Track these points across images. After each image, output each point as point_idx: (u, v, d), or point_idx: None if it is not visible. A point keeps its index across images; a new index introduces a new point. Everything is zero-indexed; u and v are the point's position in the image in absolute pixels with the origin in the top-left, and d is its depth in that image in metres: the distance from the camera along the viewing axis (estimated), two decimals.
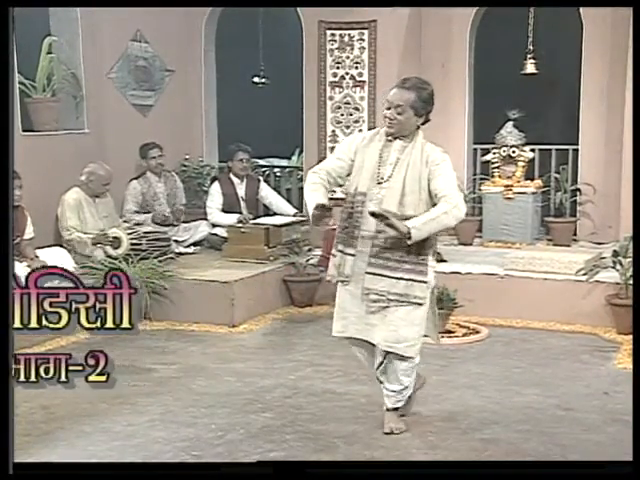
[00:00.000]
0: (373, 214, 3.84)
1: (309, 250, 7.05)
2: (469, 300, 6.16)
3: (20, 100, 6.37)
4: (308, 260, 6.82)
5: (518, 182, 7.40)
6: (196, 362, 5.39)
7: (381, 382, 4.24)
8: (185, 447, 4.01)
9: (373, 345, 4.14)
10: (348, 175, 4.10)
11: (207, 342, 5.84)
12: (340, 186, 4.29)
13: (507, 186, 7.37)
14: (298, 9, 7.54)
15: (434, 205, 3.93)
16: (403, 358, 4.08)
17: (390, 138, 4.03)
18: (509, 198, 7.36)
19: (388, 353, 4.09)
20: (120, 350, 5.61)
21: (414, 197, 3.93)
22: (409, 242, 3.84)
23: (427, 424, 4.31)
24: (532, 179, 7.56)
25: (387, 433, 4.16)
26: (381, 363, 4.15)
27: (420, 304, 4.02)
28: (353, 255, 4.03)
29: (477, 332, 5.97)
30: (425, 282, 4.01)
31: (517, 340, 5.85)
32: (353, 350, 4.28)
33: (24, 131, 6.40)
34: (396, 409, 4.23)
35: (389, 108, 3.98)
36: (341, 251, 4.09)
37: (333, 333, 4.22)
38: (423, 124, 4.06)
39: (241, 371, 5.18)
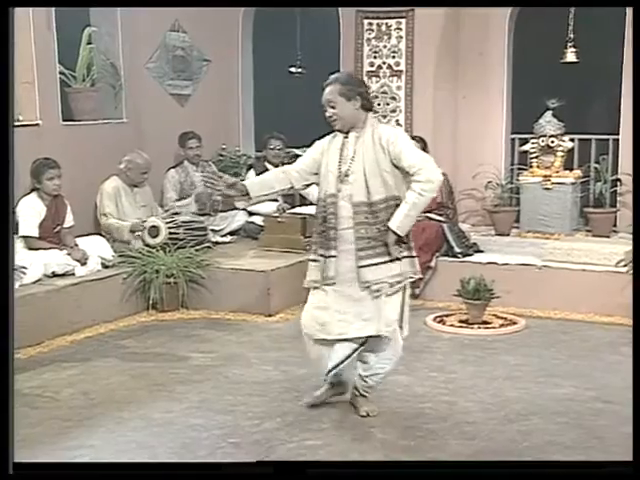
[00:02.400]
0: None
1: None
2: (506, 291, 6.13)
3: (60, 90, 6.44)
4: None
5: (557, 172, 7.32)
6: (233, 351, 5.43)
7: (335, 383, 4.34)
8: (222, 434, 4.05)
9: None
10: (315, 174, 4.21)
11: (243, 331, 5.88)
12: (307, 187, 4.40)
13: (546, 176, 7.29)
14: None
15: (408, 182, 4.00)
16: (387, 344, 4.15)
17: (346, 135, 4.11)
18: (547, 188, 7.28)
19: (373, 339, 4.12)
20: (158, 338, 5.70)
21: (377, 181, 4.02)
22: (401, 236, 3.99)
23: (464, 414, 4.30)
24: (571, 169, 7.47)
25: (363, 416, 4.22)
26: (355, 350, 4.16)
27: (412, 278, 4.12)
28: (335, 256, 4.08)
29: (514, 323, 5.93)
30: (414, 256, 4.10)
31: (555, 332, 5.81)
32: (322, 351, 4.23)
33: (64, 120, 6.47)
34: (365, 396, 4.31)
35: (325, 110, 4.13)
36: (322, 255, 4.13)
37: (330, 336, 4.16)
38: (369, 110, 4.14)
39: (277, 360, 5.20)
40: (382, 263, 4.05)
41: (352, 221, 4.03)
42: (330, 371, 4.26)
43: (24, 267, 5.57)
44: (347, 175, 4.06)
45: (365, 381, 4.30)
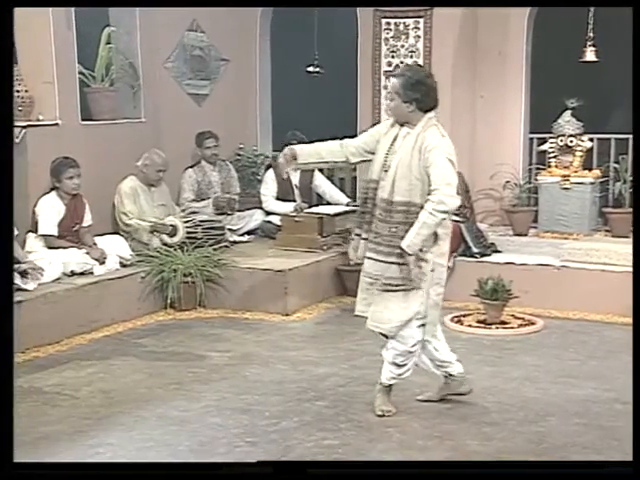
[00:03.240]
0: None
1: None
2: (524, 291, 6.10)
3: (79, 90, 6.47)
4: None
5: (575, 172, 7.27)
6: (250, 350, 5.44)
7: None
8: (239, 433, 4.06)
9: None
10: (372, 153, 4.24)
11: (261, 330, 5.89)
12: (361, 162, 4.41)
13: (564, 176, 7.25)
14: None
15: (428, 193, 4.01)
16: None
17: (401, 127, 4.16)
18: (566, 188, 7.24)
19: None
20: (175, 337, 5.72)
21: (404, 183, 4.05)
22: (410, 255, 4.00)
23: (482, 415, 4.29)
24: (590, 169, 7.42)
25: (379, 416, 4.24)
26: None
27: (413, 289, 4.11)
28: (366, 239, 4.20)
29: (532, 323, 5.91)
30: (403, 264, 4.05)
31: (573, 332, 5.78)
32: None
33: (83, 120, 6.50)
34: (388, 387, 4.32)
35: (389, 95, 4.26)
36: (358, 235, 4.26)
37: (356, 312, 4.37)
38: (428, 111, 4.12)
39: (294, 359, 5.21)
40: (381, 261, 4.12)
41: (385, 212, 4.10)
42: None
43: (41, 268, 5.60)
44: (389, 167, 4.10)
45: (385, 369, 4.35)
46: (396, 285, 4.11)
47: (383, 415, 4.25)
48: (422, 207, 4.00)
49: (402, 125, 4.16)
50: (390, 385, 4.34)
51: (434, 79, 4.22)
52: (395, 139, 4.15)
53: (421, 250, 4.04)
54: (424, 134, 4.06)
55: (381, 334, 4.30)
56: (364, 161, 4.34)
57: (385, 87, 7.47)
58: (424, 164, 4.02)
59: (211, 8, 7.42)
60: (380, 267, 4.13)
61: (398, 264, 4.07)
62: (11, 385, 3.15)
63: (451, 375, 4.39)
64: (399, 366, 4.29)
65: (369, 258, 4.18)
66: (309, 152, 4.38)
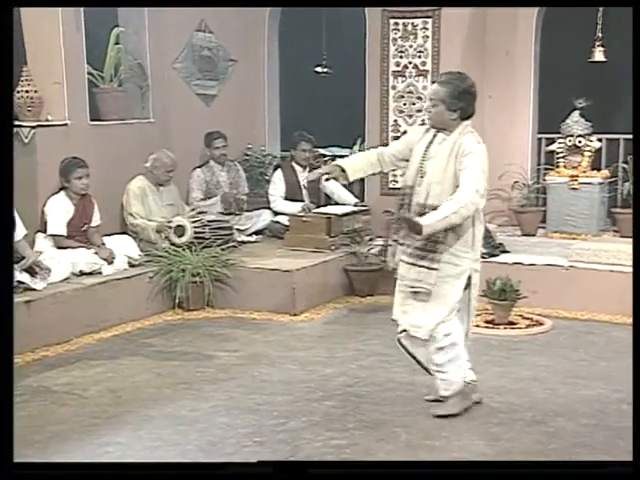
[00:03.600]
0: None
1: (370, 240, 7.04)
2: (532, 291, 6.09)
3: (88, 90, 6.49)
4: (369, 250, 6.82)
5: (584, 172, 7.26)
6: (258, 350, 5.45)
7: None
8: (247, 433, 4.06)
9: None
10: (406, 161, 4.28)
11: (269, 330, 5.90)
12: (392, 170, 4.64)
13: (572, 176, 7.24)
14: None
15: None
16: (427, 342, 4.23)
17: (436, 133, 4.21)
18: (574, 188, 7.22)
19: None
20: (183, 337, 5.74)
21: (438, 188, 4.10)
22: (418, 237, 4.02)
23: (490, 415, 4.29)
24: (599, 169, 7.41)
25: (438, 416, 4.25)
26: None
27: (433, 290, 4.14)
28: (403, 244, 4.23)
29: (540, 324, 5.90)
30: (435, 269, 4.10)
31: (582, 333, 5.77)
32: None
33: (92, 120, 6.52)
34: (445, 397, 4.30)
35: (429, 101, 4.22)
36: (395, 240, 4.30)
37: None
38: (466, 119, 4.16)
39: (303, 359, 5.22)
40: (407, 263, 4.18)
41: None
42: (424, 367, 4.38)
43: (48, 268, 5.62)
44: (425, 172, 4.15)
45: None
46: (428, 288, 4.14)
47: (441, 416, 4.24)
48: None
49: (438, 131, 4.18)
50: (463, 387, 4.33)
51: (476, 87, 4.24)
52: (429, 145, 4.19)
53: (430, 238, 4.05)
54: (461, 140, 4.10)
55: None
56: (394, 169, 4.50)
57: (393, 87, 7.47)
58: (458, 167, 4.06)
59: (219, 9, 7.44)
60: (416, 271, 4.16)
61: (429, 268, 4.12)
62: (11, 385, 3.16)
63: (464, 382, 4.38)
64: (443, 372, 4.27)
65: (405, 262, 4.21)
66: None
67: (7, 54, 3.25)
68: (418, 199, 4.14)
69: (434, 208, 4.05)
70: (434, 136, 4.20)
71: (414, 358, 4.37)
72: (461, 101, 4.12)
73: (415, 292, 4.19)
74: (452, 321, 4.21)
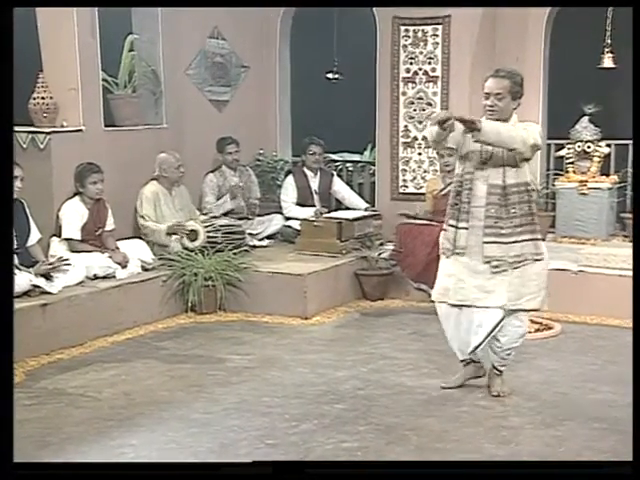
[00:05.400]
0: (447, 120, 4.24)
1: (381, 244, 7.08)
2: None
3: (103, 96, 6.56)
4: (380, 254, 6.86)
5: (593, 177, 7.29)
6: (270, 353, 5.49)
7: (470, 363, 4.69)
8: (259, 436, 4.11)
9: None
10: (457, 141, 4.46)
11: (280, 333, 5.94)
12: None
13: (582, 181, 7.27)
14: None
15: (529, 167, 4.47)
16: (518, 317, 4.52)
17: None
18: (584, 194, 7.26)
19: (511, 312, 4.49)
20: (196, 340, 5.79)
21: (512, 168, 4.40)
22: (477, 135, 4.22)
23: (500, 419, 4.32)
24: (608, 174, 7.44)
25: (495, 396, 4.57)
26: (496, 325, 4.50)
27: (537, 260, 4.47)
28: (466, 229, 4.44)
29: (550, 328, 5.93)
30: (538, 239, 4.47)
31: (591, 337, 5.80)
32: (450, 321, 4.60)
33: (106, 126, 6.60)
34: (501, 372, 4.64)
35: (487, 97, 4.42)
36: (453, 226, 4.50)
37: (450, 300, 4.54)
38: (515, 109, 4.46)
39: (314, 362, 5.26)
40: (504, 243, 4.40)
41: (484, 200, 4.39)
42: (476, 348, 4.57)
43: (66, 259, 5.72)
44: (487, 160, 4.39)
45: (500, 357, 4.59)
46: (523, 260, 4.41)
47: (499, 395, 4.57)
48: (529, 184, 4.44)
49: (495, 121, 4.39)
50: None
51: None
52: None
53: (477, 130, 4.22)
54: (518, 125, 4.39)
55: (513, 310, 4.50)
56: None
57: (404, 93, 7.51)
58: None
59: (232, 16, 7.52)
60: (505, 248, 4.39)
61: (521, 241, 4.40)
62: (11, 385, 3.20)
63: (474, 361, 4.67)
64: (513, 347, 4.59)
65: (490, 243, 4.39)
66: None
67: (7, 54, 3.25)
68: (493, 181, 4.37)
69: (514, 186, 4.37)
70: None
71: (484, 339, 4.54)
72: (521, 90, 4.44)
73: (510, 267, 4.40)
74: None
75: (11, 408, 3.07)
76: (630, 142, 7.64)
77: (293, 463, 3.64)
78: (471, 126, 4.21)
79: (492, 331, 4.51)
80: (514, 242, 4.40)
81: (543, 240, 4.63)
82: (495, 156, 4.38)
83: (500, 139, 4.28)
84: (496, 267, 4.42)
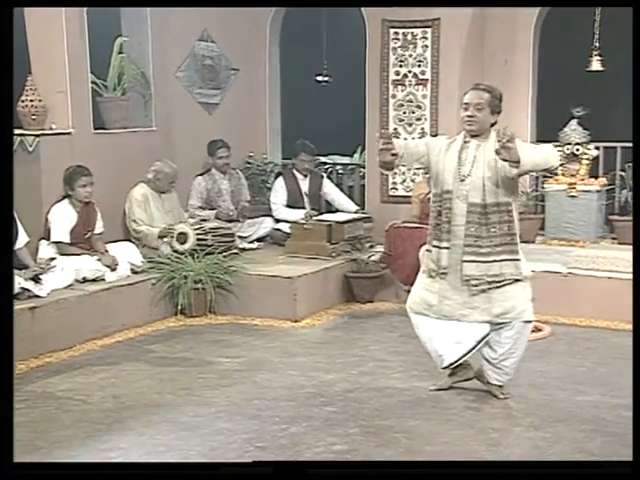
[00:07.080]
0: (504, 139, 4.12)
1: (371, 247, 7.09)
2: (531, 298, 6.12)
3: (92, 99, 6.55)
4: (370, 257, 6.87)
5: (582, 180, 7.32)
6: (259, 356, 5.49)
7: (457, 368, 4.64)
8: (249, 439, 4.10)
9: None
10: (421, 162, 4.51)
11: (270, 336, 5.94)
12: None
13: (571, 184, 7.30)
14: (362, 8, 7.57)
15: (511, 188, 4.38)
16: (514, 327, 4.48)
17: (467, 139, 4.40)
18: (573, 196, 7.29)
19: (500, 325, 4.47)
20: (186, 343, 5.78)
21: (493, 186, 4.35)
22: (516, 169, 4.19)
23: (489, 421, 4.33)
24: (597, 177, 7.47)
25: (502, 399, 4.59)
26: (481, 340, 4.49)
27: (517, 280, 4.44)
28: (448, 248, 4.41)
29: (539, 330, 5.93)
30: (518, 259, 4.44)
31: (580, 339, 5.81)
32: (430, 334, 4.58)
33: (95, 129, 6.58)
34: (501, 386, 4.62)
35: (467, 108, 4.39)
36: (436, 246, 4.47)
37: (434, 315, 4.52)
38: (492, 125, 4.41)
39: (304, 365, 5.26)
40: (483, 262, 4.38)
41: (464, 219, 4.36)
42: (454, 362, 4.57)
43: (54, 258, 5.71)
44: (465, 177, 4.36)
45: (497, 367, 4.57)
46: (502, 280, 4.40)
47: (505, 398, 4.60)
48: (510, 204, 4.36)
49: (472, 138, 4.39)
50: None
51: None
52: (462, 150, 4.39)
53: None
54: (522, 144, 4.33)
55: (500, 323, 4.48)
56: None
57: (393, 96, 7.53)
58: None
59: (221, 18, 7.51)
60: (483, 268, 4.37)
61: (500, 260, 4.38)
62: (11, 386, 3.18)
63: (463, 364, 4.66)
64: (513, 356, 4.56)
65: (469, 262, 4.37)
66: (410, 157, 4.49)
67: (7, 54, 3.24)
68: (473, 199, 4.33)
69: (494, 205, 4.32)
70: (464, 143, 4.40)
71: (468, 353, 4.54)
72: (500, 104, 4.43)
73: (488, 287, 4.39)
74: None
75: (11, 408, 3.07)
76: (618, 144, 7.69)
77: (293, 463, 3.64)
78: (512, 164, 4.16)
79: (476, 345, 4.50)
80: (493, 261, 4.37)
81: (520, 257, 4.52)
82: (473, 175, 4.35)
83: (535, 163, 4.27)
84: (475, 286, 4.40)
